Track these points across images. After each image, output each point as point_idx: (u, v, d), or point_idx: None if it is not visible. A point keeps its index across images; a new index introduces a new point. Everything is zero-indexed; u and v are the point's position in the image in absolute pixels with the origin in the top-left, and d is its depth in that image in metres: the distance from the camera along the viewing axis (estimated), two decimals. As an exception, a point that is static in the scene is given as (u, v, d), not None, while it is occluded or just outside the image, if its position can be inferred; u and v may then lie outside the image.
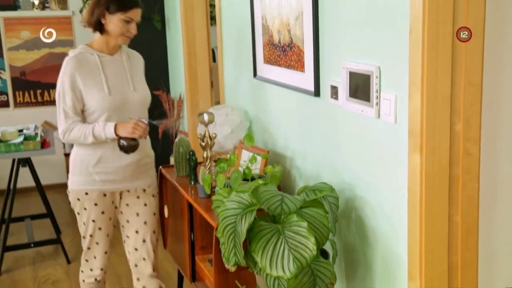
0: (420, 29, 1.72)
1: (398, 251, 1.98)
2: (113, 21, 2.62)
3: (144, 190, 2.88)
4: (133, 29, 2.67)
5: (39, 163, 4.92)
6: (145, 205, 2.88)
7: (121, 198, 2.86)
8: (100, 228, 2.83)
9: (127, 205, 2.87)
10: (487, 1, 1.76)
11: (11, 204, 4.18)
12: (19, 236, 4.59)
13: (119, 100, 2.68)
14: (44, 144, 4.19)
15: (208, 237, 2.87)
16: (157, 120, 3.09)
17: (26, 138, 4.20)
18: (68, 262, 4.19)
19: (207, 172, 2.77)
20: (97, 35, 2.73)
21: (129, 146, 2.65)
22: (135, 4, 2.66)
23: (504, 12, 1.79)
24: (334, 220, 2.13)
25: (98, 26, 2.67)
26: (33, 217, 4.73)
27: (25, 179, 4.66)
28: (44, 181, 4.78)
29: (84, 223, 2.82)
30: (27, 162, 4.20)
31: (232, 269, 2.09)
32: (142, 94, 2.79)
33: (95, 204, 2.77)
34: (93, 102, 2.64)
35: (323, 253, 2.24)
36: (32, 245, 4.24)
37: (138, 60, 2.90)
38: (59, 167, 5.74)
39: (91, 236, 2.84)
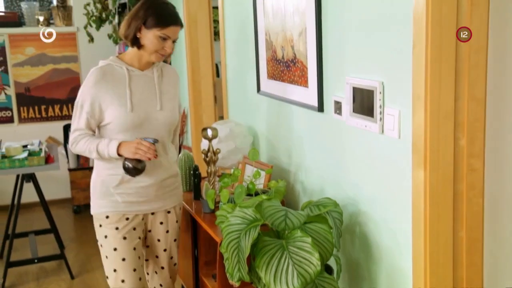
0: (423, 44, 1.73)
1: (403, 266, 1.97)
2: (149, 37, 2.45)
3: (169, 212, 2.69)
4: (168, 47, 2.47)
5: (43, 178, 4.93)
6: (167, 232, 2.69)
7: (144, 222, 2.65)
8: (124, 259, 2.53)
9: (149, 231, 2.68)
10: (491, 19, 1.76)
11: (15, 220, 4.18)
12: (23, 252, 4.58)
13: (142, 118, 2.49)
14: (48, 160, 4.20)
15: (212, 253, 2.87)
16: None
17: (31, 154, 4.21)
18: (72, 277, 4.19)
19: (211, 187, 2.77)
20: (131, 49, 2.56)
21: (134, 169, 2.45)
22: (174, 21, 2.47)
23: (508, 28, 1.80)
24: (338, 235, 2.13)
25: (134, 40, 2.49)
26: (37, 233, 4.73)
27: (29, 194, 4.67)
28: (48, 196, 4.78)
29: (106, 257, 2.56)
30: (31, 177, 4.21)
31: (236, 284, 2.09)
32: (168, 114, 2.57)
33: (116, 229, 2.54)
34: (112, 117, 2.46)
35: (327, 269, 2.24)
36: (36, 260, 4.24)
37: (172, 77, 2.68)
38: (63, 183, 5.75)
39: (115, 271, 2.55)
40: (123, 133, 2.48)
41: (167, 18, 2.44)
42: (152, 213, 2.63)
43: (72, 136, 2.53)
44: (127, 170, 2.46)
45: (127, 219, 2.55)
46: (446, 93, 1.77)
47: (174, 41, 2.49)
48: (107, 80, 2.47)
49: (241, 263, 2.03)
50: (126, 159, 2.45)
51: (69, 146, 2.56)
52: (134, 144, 2.41)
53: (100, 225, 2.56)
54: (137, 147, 2.40)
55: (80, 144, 2.51)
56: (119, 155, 2.44)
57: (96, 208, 2.58)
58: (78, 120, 2.50)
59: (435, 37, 1.72)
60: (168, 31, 2.44)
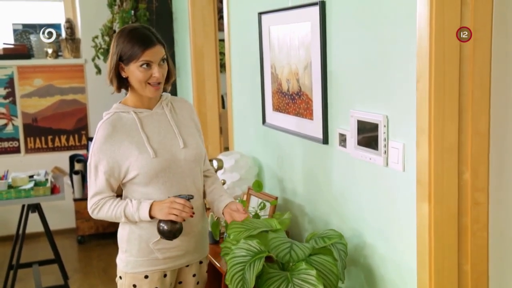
0: (426, 79, 1.76)
1: (408, 300, 1.97)
2: (132, 72, 2.16)
3: (201, 263, 2.43)
4: (156, 73, 2.15)
5: (48, 208, 4.93)
6: (198, 283, 2.44)
7: (177, 274, 2.39)
8: None
9: (180, 282, 2.40)
10: (493, 54, 1.79)
11: (19, 250, 4.18)
12: (27, 282, 4.56)
13: (167, 161, 2.22)
14: (54, 190, 4.22)
15: (217, 284, 2.85)
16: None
17: (37, 184, 4.23)
18: (75, 309, 4.16)
19: (216, 218, 2.77)
20: (129, 90, 2.28)
21: (169, 231, 2.15)
22: (147, 43, 2.15)
23: (510, 63, 1.82)
24: (343, 267, 2.12)
25: (120, 82, 2.23)
26: (41, 263, 4.71)
27: (33, 224, 4.67)
28: (52, 226, 4.78)
29: None
30: (36, 207, 4.22)
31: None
32: (193, 151, 2.30)
33: None
34: (137, 168, 2.18)
35: (332, 302, 2.23)
36: (39, 291, 4.22)
37: (186, 109, 2.41)
38: (68, 213, 5.75)
39: None
40: (152, 184, 2.22)
41: (140, 44, 2.13)
42: (187, 265, 2.38)
43: (92, 202, 2.25)
44: (162, 233, 2.17)
45: (165, 275, 2.30)
46: (450, 127, 1.79)
47: (161, 63, 2.18)
48: (118, 131, 2.20)
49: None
50: (160, 221, 2.17)
51: (90, 212, 2.28)
52: (167, 203, 2.15)
53: (135, 286, 2.27)
54: (170, 206, 2.14)
55: (103, 210, 2.24)
56: (151, 217, 2.18)
57: (132, 266, 2.27)
58: (96, 183, 2.23)
59: (438, 72, 1.74)
60: (146, 56, 2.14)
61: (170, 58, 2.30)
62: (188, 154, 2.27)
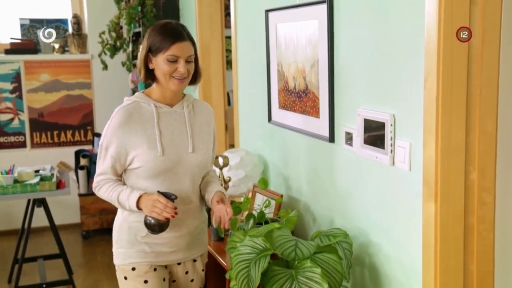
0: (434, 78, 1.75)
1: (413, 299, 1.97)
2: (158, 64, 2.19)
3: (194, 261, 2.42)
4: (181, 68, 2.17)
5: (53, 203, 4.95)
6: (192, 280, 2.43)
7: (169, 271, 2.39)
8: None
9: (174, 281, 2.41)
10: (502, 54, 1.79)
11: (24, 244, 4.19)
12: (32, 276, 4.58)
13: (174, 161, 2.23)
14: (59, 185, 4.23)
15: (221, 281, 2.86)
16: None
17: (42, 179, 4.24)
18: (79, 303, 4.18)
19: (221, 215, 2.77)
20: (155, 83, 2.30)
21: (154, 225, 2.15)
22: (178, 38, 2.18)
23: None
24: (348, 266, 2.13)
25: (147, 73, 2.26)
26: (46, 257, 4.73)
27: (39, 218, 4.68)
28: (57, 221, 4.79)
29: None
30: (42, 202, 4.24)
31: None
32: (200, 158, 2.30)
33: (145, 282, 2.28)
34: (142, 161, 2.20)
35: (337, 300, 2.23)
36: (44, 285, 4.23)
37: (205, 114, 2.40)
38: (73, 208, 5.76)
39: None
40: (151, 179, 2.24)
41: (169, 37, 2.17)
42: (179, 263, 2.38)
43: (96, 180, 2.31)
44: (148, 226, 2.17)
45: (155, 269, 2.30)
46: (457, 126, 1.78)
47: (188, 60, 2.21)
48: (134, 120, 2.22)
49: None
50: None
51: (93, 189, 2.33)
52: (151, 201, 2.14)
53: (126, 278, 2.30)
54: (153, 205, 2.13)
55: (102, 190, 2.28)
56: (139, 209, 2.19)
57: (121, 258, 2.31)
58: (103, 164, 2.27)
59: (446, 72, 1.74)
60: (174, 49, 2.16)
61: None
62: (194, 159, 2.28)
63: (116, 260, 2.34)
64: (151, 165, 2.20)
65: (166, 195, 2.14)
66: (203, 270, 2.47)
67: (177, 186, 2.25)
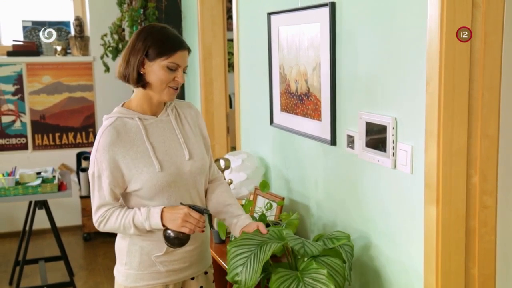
0: (436, 81, 1.75)
1: (414, 303, 1.96)
2: (155, 70, 2.02)
3: (206, 273, 2.30)
4: (180, 78, 2.05)
5: (55, 205, 4.95)
6: None
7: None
8: None
9: None
10: (504, 58, 1.79)
11: (26, 246, 4.20)
12: (33, 278, 4.58)
13: (173, 175, 2.09)
14: (61, 187, 4.23)
15: (222, 283, 2.86)
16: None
17: (44, 181, 4.25)
18: (80, 305, 4.18)
19: (223, 218, 2.77)
20: (136, 91, 2.13)
21: (176, 239, 2.03)
22: (180, 45, 2.05)
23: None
24: (350, 269, 2.12)
25: (138, 79, 2.06)
26: (47, 260, 4.74)
27: (40, 220, 4.69)
28: (58, 223, 4.80)
29: None
30: (43, 204, 4.24)
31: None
32: (198, 164, 2.17)
33: None
34: (141, 182, 2.05)
35: (338, 303, 2.22)
36: (45, 287, 4.24)
37: (191, 115, 2.26)
38: (74, 210, 5.77)
39: None
40: (156, 198, 2.09)
41: (172, 43, 2.03)
42: (192, 278, 2.24)
43: (97, 215, 2.10)
44: (168, 239, 2.04)
45: None
46: (459, 130, 1.78)
47: (185, 71, 2.09)
48: (122, 139, 2.05)
49: (254, 266, 1.97)
50: (167, 228, 2.05)
51: (95, 225, 2.13)
52: (181, 215, 2.01)
53: None
54: (184, 219, 2.01)
55: (110, 222, 2.09)
56: (163, 225, 2.05)
57: (132, 280, 2.14)
58: (100, 194, 2.08)
59: (448, 75, 1.74)
60: (176, 58, 2.03)
61: None
62: (193, 166, 2.15)
63: (126, 282, 2.15)
64: (152, 183, 2.05)
65: (198, 210, 2.05)
66: (213, 281, 2.36)
67: (185, 198, 2.13)
